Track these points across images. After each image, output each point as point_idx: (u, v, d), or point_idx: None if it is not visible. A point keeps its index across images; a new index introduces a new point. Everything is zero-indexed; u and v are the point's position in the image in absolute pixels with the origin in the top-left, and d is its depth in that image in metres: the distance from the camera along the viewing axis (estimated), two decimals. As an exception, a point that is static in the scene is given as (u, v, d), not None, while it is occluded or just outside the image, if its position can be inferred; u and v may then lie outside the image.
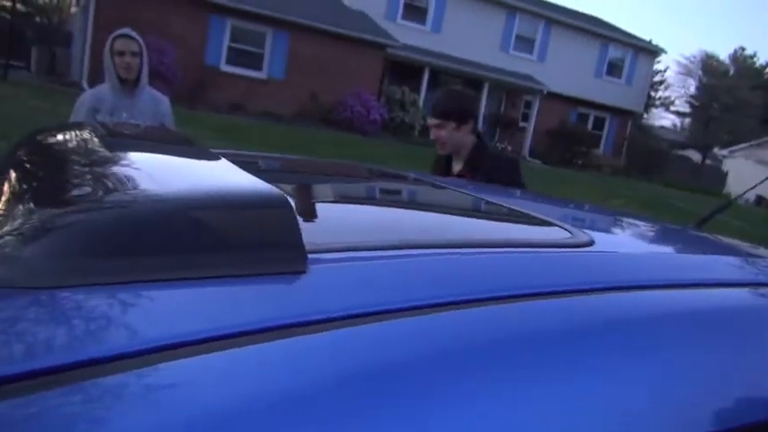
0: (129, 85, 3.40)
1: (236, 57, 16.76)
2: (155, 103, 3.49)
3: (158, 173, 0.78)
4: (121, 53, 3.33)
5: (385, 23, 19.34)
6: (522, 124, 22.64)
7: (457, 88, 3.09)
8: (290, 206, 0.66)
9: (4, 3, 25.94)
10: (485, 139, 2.64)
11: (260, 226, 0.64)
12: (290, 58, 17.29)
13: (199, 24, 16.06)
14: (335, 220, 0.88)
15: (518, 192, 1.83)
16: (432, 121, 2.52)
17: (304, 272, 0.62)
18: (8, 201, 0.71)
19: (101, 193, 0.66)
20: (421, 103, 19.30)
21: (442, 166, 2.62)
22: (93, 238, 0.58)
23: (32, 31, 20.17)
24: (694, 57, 38.84)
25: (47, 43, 18.81)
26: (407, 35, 19.65)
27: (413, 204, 1.22)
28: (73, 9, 21.27)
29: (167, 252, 0.60)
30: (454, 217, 1.13)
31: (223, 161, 0.92)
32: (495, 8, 21.45)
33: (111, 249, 0.58)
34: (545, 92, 21.79)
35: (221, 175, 0.78)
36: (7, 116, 8.99)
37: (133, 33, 3.37)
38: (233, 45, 16.73)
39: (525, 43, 22.51)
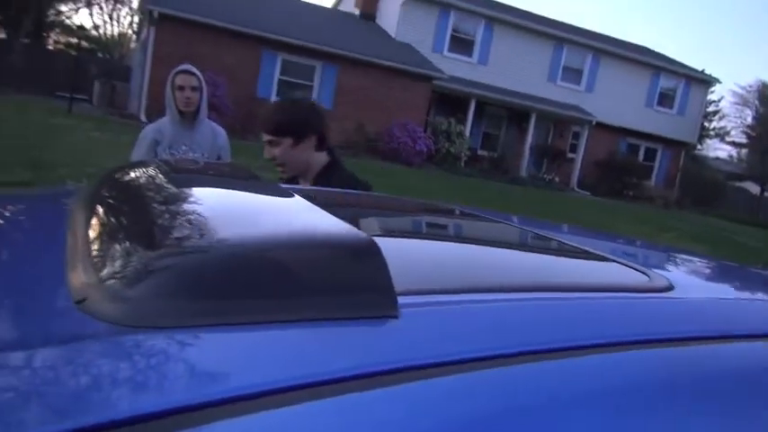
0: (188, 118, 3.52)
1: (286, 89, 17.19)
2: (213, 136, 3.60)
3: (243, 212, 0.80)
4: (182, 88, 3.45)
5: (432, 56, 19.55)
6: (570, 155, 22.35)
7: (295, 98, 2.75)
8: (378, 248, 0.67)
9: (71, 40, 27.37)
10: (338, 158, 2.26)
11: (348, 269, 0.65)
12: (337, 90, 17.63)
13: (251, 58, 16.59)
14: (418, 260, 0.89)
15: (583, 230, 1.80)
16: (264, 137, 2.14)
17: (396, 317, 0.62)
18: (103, 238, 0.74)
19: (193, 233, 0.68)
20: (467, 134, 19.32)
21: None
22: (191, 280, 0.60)
23: (95, 66, 21.22)
24: (751, 86, 37.79)
25: (108, 77, 19.76)
26: (454, 67, 19.80)
27: (491, 243, 1.21)
28: (132, 45, 22.28)
29: (258, 295, 0.61)
30: (531, 256, 1.12)
31: (298, 199, 0.93)
32: (543, 40, 21.45)
33: (205, 291, 0.60)
34: (593, 122, 21.51)
35: (303, 215, 0.80)
36: (72, 146, 9.43)
37: (193, 69, 3.50)
38: (283, 78, 17.18)
39: (573, 74, 22.35)
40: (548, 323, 0.66)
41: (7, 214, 1.04)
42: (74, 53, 23.34)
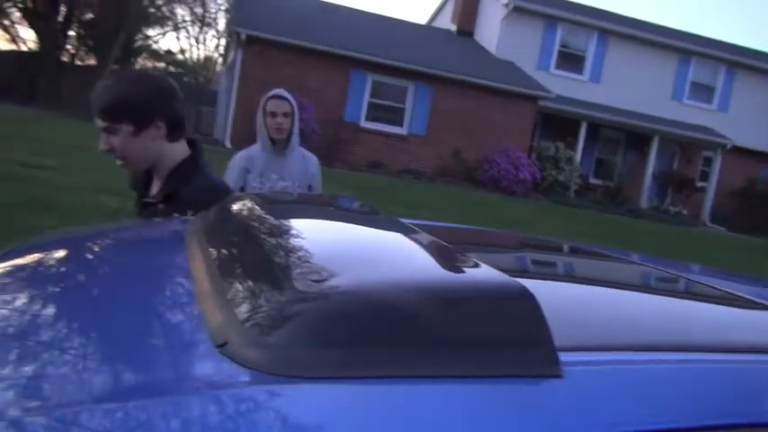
0: (280, 145, 3.64)
1: (375, 112, 17.55)
2: (304, 163, 3.71)
3: (379, 253, 0.82)
4: (273, 114, 3.59)
5: (537, 74, 19.38)
6: (699, 184, 21.28)
7: (139, 73, 2.50)
8: (533, 296, 0.66)
9: (157, 65, 29.40)
10: (200, 152, 2.01)
11: (501, 320, 0.65)
12: (432, 113, 17.80)
13: (339, 80, 17.11)
14: (570, 310, 0.87)
15: (736, 274, 1.70)
16: (97, 123, 1.87)
17: (559, 376, 0.60)
18: (238, 277, 0.78)
19: (333, 276, 0.70)
20: (578, 160, 18.87)
21: (140, 186, 2.02)
22: (338, 327, 0.61)
23: (181, 90, 22.64)
24: None
25: (193, 102, 21.02)
26: (562, 86, 19.51)
27: (645, 289, 1.17)
28: (218, 68, 23.57)
29: (404, 347, 0.62)
30: (695, 306, 1.07)
31: (429, 237, 0.94)
32: (666, 53, 20.75)
33: (352, 341, 0.61)
34: (728, 146, 20.42)
35: (444, 258, 0.80)
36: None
37: (286, 94, 3.64)
38: (373, 100, 17.57)
39: (703, 91, 21.41)
40: (742, 391, 0.62)
41: (131, 242, 1.11)
42: (160, 78, 25.04)
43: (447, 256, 0.82)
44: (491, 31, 20.61)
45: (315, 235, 0.93)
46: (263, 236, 0.96)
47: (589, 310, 0.91)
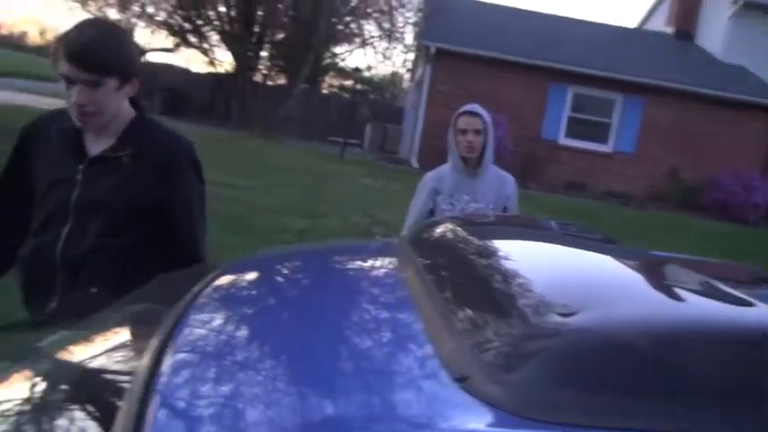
0: (471, 164, 3.63)
1: (576, 128, 17.09)
2: (499, 184, 3.67)
3: (630, 286, 0.78)
4: (464, 131, 3.59)
5: (775, 79, 17.73)
6: None
7: (108, 21, 2.39)
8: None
9: (344, 83, 31.14)
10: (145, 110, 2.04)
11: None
12: (642, 128, 16.96)
13: (535, 93, 16.92)
14: None
15: None
16: (79, 75, 1.79)
17: None
18: (471, 307, 0.79)
19: (582, 309, 0.68)
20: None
21: (69, 146, 1.94)
22: (597, 368, 0.59)
23: (367, 108, 23.80)
24: None
25: (379, 120, 21.98)
26: (808, 92, 17.65)
27: None
28: (405, 84, 24.37)
29: (674, 396, 0.58)
30: None
31: (682, 269, 0.88)
32: None
33: (612, 385, 0.59)
34: None
35: (711, 295, 0.75)
36: (342, 194, 10.61)
37: (478, 109, 3.64)
38: (574, 115, 17.13)
39: None
40: None
41: (345, 266, 1.17)
42: (347, 96, 26.49)
43: (712, 291, 0.76)
44: (715, 31, 19.24)
45: (547, 264, 0.91)
46: (487, 263, 0.96)
47: None
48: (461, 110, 3.62)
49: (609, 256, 0.97)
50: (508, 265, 0.94)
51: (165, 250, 1.96)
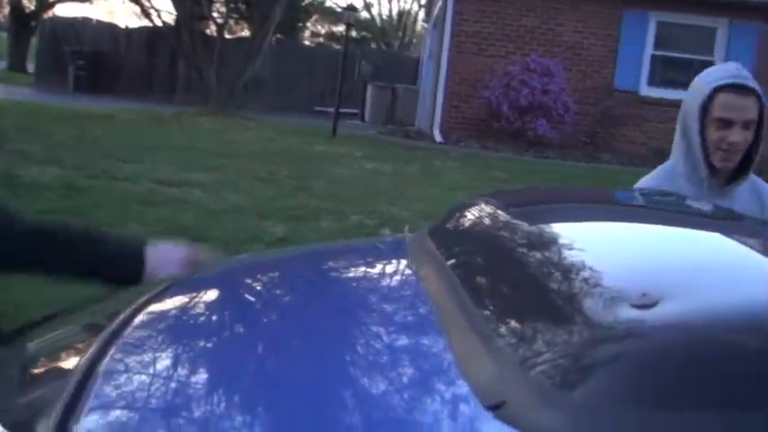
0: (723, 176, 2.81)
1: (664, 72, 17.07)
2: (757, 199, 2.79)
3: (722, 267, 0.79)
4: (726, 123, 2.32)
5: None
6: None
7: None
8: None
9: (333, 29, 31.21)
10: None
11: None
12: (759, 67, 16.91)
13: (605, 27, 16.89)
14: None
15: None
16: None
17: None
18: (508, 317, 0.80)
19: (666, 299, 0.68)
20: None
21: None
22: (684, 382, 0.60)
23: (368, 63, 23.69)
24: None
25: (385, 79, 21.90)
26: None
27: None
28: (420, 26, 24.27)
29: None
30: None
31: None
32: None
33: (692, 404, 0.60)
34: None
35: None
36: (337, 185, 10.60)
37: (750, 80, 2.97)
38: (658, 53, 17.12)
39: None
40: None
41: (337, 274, 1.18)
42: (338, 47, 26.48)
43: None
44: None
45: (617, 245, 0.92)
46: (532, 253, 0.97)
47: None
48: (720, 81, 2.89)
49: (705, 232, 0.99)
50: (562, 252, 0.95)
51: None
